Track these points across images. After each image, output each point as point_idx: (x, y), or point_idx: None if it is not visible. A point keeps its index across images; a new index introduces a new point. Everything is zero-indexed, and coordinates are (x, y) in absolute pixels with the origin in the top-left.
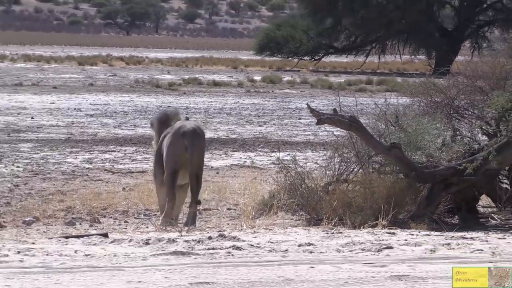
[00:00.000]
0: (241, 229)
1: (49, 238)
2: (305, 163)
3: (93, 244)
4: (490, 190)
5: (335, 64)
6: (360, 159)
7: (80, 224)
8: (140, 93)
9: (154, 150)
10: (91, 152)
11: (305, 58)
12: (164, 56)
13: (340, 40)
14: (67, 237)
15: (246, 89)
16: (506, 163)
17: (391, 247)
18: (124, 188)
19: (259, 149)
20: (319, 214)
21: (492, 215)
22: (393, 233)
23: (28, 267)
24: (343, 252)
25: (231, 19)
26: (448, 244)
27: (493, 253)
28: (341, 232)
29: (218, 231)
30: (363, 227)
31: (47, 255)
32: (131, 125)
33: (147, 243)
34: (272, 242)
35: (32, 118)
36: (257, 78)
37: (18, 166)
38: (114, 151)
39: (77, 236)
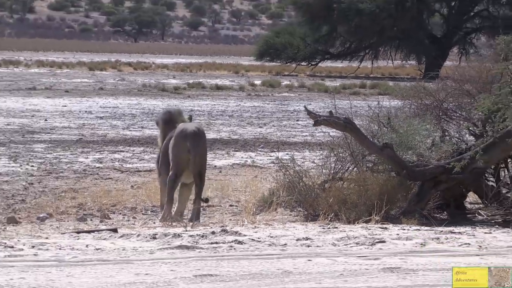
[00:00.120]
0: (243, 225)
1: (61, 233)
2: (302, 162)
3: (103, 239)
4: (477, 188)
5: (330, 69)
6: (355, 159)
7: (91, 220)
8: (147, 97)
9: (158, 148)
10: (101, 152)
11: (303, 63)
12: (170, 61)
13: (336, 47)
14: (78, 232)
15: (247, 93)
16: (492, 162)
17: (383, 241)
18: (132, 186)
19: (259, 149)
20: (316, 210)
21: (479, 211)
22: (386, 228)
23: (42, 260)
24: (339, 246)
25: (233, 27)
26: (438, 238)
27: (480, 246)
28: (336, 227)
29: (221, 226)
30: (358, 223)
31: (59, 249)
32: (138, 127)
33: (154, 238)
34: (271, 237)
35: (46, 120)
36: (257, 82)
37: (32, 166)
38: (123, 151)
39: (88, 231)
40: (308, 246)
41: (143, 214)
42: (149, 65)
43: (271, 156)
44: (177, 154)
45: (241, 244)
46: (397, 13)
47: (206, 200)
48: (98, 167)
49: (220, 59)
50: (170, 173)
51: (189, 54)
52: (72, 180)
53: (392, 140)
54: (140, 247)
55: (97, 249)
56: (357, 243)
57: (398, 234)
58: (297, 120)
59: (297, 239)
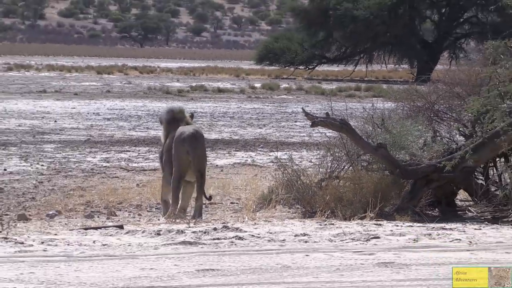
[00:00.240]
0: (243, 221)
1: (70, 230)
2: (300, 162)
3: (110, 235)
4: (467, 186)
5: (327, 73)
6: (350, 158)
7: (98, 217)
8: (152, 99)
9: (162, 144)
10: (108, 152)
11: (300, 67)
12: (174, 65)
13: (332, 51)
14: (86, 229)
15: (248, 95)
16: (481, 161)
17: (378, 237)
18: (138, 184)
19: (259, 149)
20: (313, 207)
21: (469, 208)
22: (380, 225)
23: (51, 256)
24: (335, 241)
25: (234, 33)
26: (430, 234)
27: (470, 242)
28: (333, 224)
29: (222, 223)
30: (353, 219)
31: (68, 245)
32: (144, 128)
33: (159, 234)
34: (271, 233)
35: (55, 121)
36: (257, 85)
37: (42, 165)
38: (129, 151)
39: (95, 228)
40: (306, 242)
41: (148, 211)
42: (154, 69)
43: (270, 155)
44: (178, 157)
45: (242, 240)
46: (390, 20)
47: (210, 198)
48: (105, 166)
49: (221, 63)
50: (173, 175)
51: (192, 58)
52: (80, 178)
53: (386, 140)
54: (145, 243)
55: (104, 245)
56: (352, 239)
57: (392, 230)
58: (295, 121)
59: (295, 235)
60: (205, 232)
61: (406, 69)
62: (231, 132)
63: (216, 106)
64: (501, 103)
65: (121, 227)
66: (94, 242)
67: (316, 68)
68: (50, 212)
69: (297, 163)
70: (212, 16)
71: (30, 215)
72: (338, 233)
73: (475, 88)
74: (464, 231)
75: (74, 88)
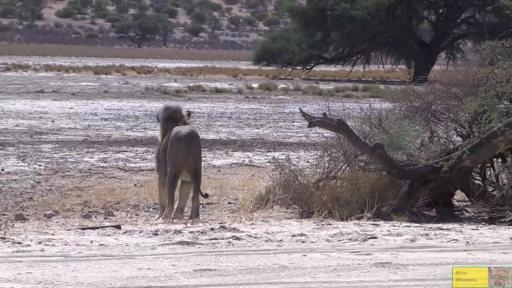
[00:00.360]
0: (240, 221)
1: (67, 230)
2: (298, 162)
3: (107, 235)
4: (464, 186)
5: (324, 73)
6: (347, 158)
7: (96, 217)
8: (150, 99)
9: (158, 142)
10: (106, 152)
11: (298, 67)
12: (172, 66)
13: (329, 52)
14: (83, 229)
15: (245, 96)
16: (479, 162)
17: (375, 237)
18: (135, 185)
19: (257, 149)
20: (310, 207)
21: (466, 208)
22: (377, 225)
23: (48, 256)
24: (332, 241)
25: (232, 33)
26: (427, 235)
27: (467, 242)
28: (330, 224)
29: (220, 223)
30: (350, 219)
31: (65, 245)
32: (141, 128)
33: (156, 234)
34: (268, 233)
35: (53, 121)
36: (255, 85)
37: (40, 165)
38: (126, 151)
39: (93, 228)
40: (303, 242)
41: (145, 211)
42: (152, 69)
43: (267, 156)
44: (173, 156)
45: (239, 240)
46: (387, 20)
47: (206, 195)
48: (103, 167)
49: (219, 63)
50: (168, 174)
51: (190, 58)
52: (77, 178)
53: (383, 140)
54: (143, 243)
55: (101, 245)
56: (349, 239)
57: (389, 231)
58: (293, 122)
59: (293, 235)
60: (202, 232)
61: (404, 70)
62: (228, 132)
63: (214, 106)
64: (498, 103)
65: (118, 227)
66: (91, 242)
67: (314, 68)
68: (48, 212)
69: (294, 163)
70: (210, 17)
71: (27, 215)
72: (335, 233)
73: (472, 89)
74: (461, 232)
75: (71, 88)
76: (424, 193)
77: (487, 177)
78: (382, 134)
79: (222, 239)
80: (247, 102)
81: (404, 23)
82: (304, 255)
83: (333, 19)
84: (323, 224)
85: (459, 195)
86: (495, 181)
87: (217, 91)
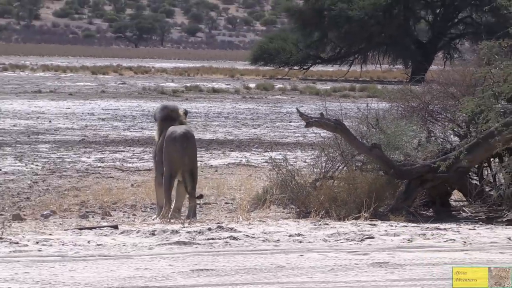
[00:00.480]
0: (238, 221)
1: (64, 230)
2: (295, 162)
3: (104, 235)
4: (461, 186)
5: (321, 73)
6: (345, 158)
7: (93, 217)
8: (147, 99)
9: (155, 142)
10: (103, 152)
11: (295, 67)
12: (169, 66)
13: (326, 52)
14: (81, 229)
15: (242, 96)
16: (476, 162)
17: (372, 237)
18: (132, 185)
19: (254, 149)
20: (307, 207)
21: (463, 208)
22: (374, 225)
23: (46, 256)
24: (329, 241)
25: (229, 33)
26: (424, 235)
27: (464, 242)
28: (327, 224)
29: (217, 223)
30: (347, 219)
31: (63, 245)
32: (139, 128)
33: (153, 234)
34: (265, 233)
35: (50, 121)
36: (252, 85)
37: (37, 165)
38: (124, 151)
39: (90, 228)
40: (300, 242)
41: (142, 211)
42: (149, 69)
43: (264, 156)
44: (169, 156)
45: (236, 240)
46: (384, 20)
47: (200, 196)
48: (100, 167)
49: (216, 63)
50: (164, 174)
51: (187, 58)
52: (75, 179)
53: (380, 140)
54: (140, 243)
55: (98, 245)
56: (347, 239)
57: (386, 231)
58: (290, 122)
59: (290, 235)
60: (199, 232)
61: (401, 70)
62: (225, 132)
63: (211, 106)
64: (495, 103)
65: (115, 227)
66: (88, 242)
67: (311, 68)
68: (45, 212)
69: (291, 163)
70: (207, 17)
71: (25, 215)
72: (333, 233)
73: (469, 89)
74: (459, 231)
75: (69, 88)
76: (421, 193)
77: (484, 177)
78: (379, 134)
79: (219, 239)
80: (244, 102)
81: (401, 23)
82: (301, 255)
83: (330, 19)
84: (320, 224)
85: (456, 195)
86: (492, 181)
87: (214, 91)
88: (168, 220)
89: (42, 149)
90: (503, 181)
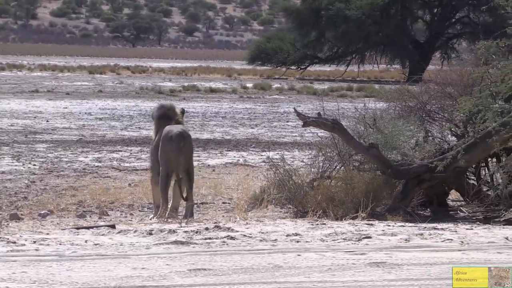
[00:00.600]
0: (235, 221)
1: (62, 229)
2: (292, 162)
3: (102, 235)
4: (458, 186)
5: (319, 73)
6: (342, 158)
7: (90, 216)
8: (145, 99)
9: (152, 141)
10: (100, 151)
11: (292, 67)
12: (166, 65)
13: (324, 51)
14: (78, 228)
15: (239, 95)
16: (473, 161)
17: (370, 237)
18: (130, 184)
19: (251, 149)
20: (305, 207)
21: (461, 208)
22: (372, 224)
23: (43, 255)
24: (327, 241)
25: (226, 33)
26: (421, 234)
27: (462, 242)
28: (324, 224)
29: (214, 223)
30: (345, 219)
31: (60, 244)
32: (136, 128)
33: (150, 234)
34: (262, 233)
35: (47, 121)
36: (249, 85)
37: (34, 164)
38: (121, 151)
39: (87, 227)
40: (298, 241)
41: (140, 211)
42: (146, 68)
43: (262, 155)
44: (165, 155)
45: (234, 239)
46: (382, 20)
47: (186, 199)
48: (97, 166)
49: (214, 63)
50: (161, 174)
51: (185, 58)
52: (72, 178)
53: (378, 140)
54: (137, 242)
55: (95, 245)
56: (344, 239)
57: (383, 230)
58: (287, 121)
59: (287, 235)
60: (197, 232)
61: (398, 69)
62: (223, 132)
63: (208, 106)
64: (492, 103)
65: (113, 226)
66: (86, 241)
67: (308, 68)
68: (42, 212)
69: (289, 163)
70: (204, 16)
71: (22, 214)
72: (330, 233)
73: (467, 88)
74: (456, 231)
75: (66, 88)
76: (419, 192)
77: (482, 177)
78: (376, 133)
79: (216, 238)
80: (241, 101)
81: (399, 22)
82: (298, 255)
83: (327, 18)
84: (317, 224)
85: (453, 194)
86: (489, 180)
87: (212, 90)
88: (165, 220)
89: (39, 148)
90: (500, 181)
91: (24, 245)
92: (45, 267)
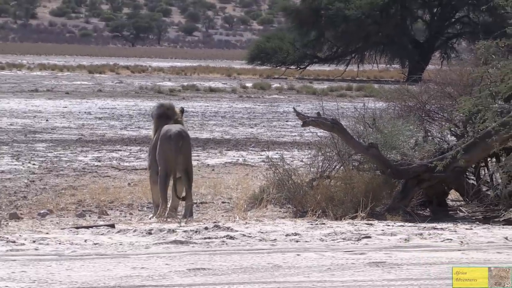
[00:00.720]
0: (234, 221)
1: (61, 229)
2: (292, 161)
3: (101, 234)
4: (458, 186)
5: (318, 72)
6: (341, 158)
7: (90, 216)
8: (144, 98)
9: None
10: (100, 151)
11: (292, 67)
12: (166, 65)
13: (323, 51)
14: (77, 228)
15: (239, 95)
16: (473, 161)
17: (369, 237)
18: (129, 184)
19: (251, 149)
20: (304, 207)
21: (460, 208)
22: (371, 224)
23: (42, 254)
24: (326, 241)
25: (226, 32)
26: (421, 234)
27: (461, 242)
28: (324, 223)
29: (214, 222)
30: (344, 219)
31: (59, 244)
32: (135, 127)
33: (150, 233)
34: (262, 232)
35: (47, 120)
36: (249, 84)
37: (34, 164)
38: (121, 150)
39: (87, 227)
40: (297, 241)
41: (139, 210)
42: (146, 68)
43: (261, 155)
44: (164, 155)
45: (233, 239)
46: (381, 20)
47: (183, 199)
48: (97, 166)
49: (213, 62)
50: (159, 173)
51: (184, 58)
52: (71, 177)
53: (377, 140)
54: (137, 242)
55: (95, 244)
56: (343, 239)
57: (383, 230)
58: (287, 121)
59: (286, 235)
60: (196, 232)
61: (398, 69)
62: (222, 132)
63: (208, 106)
64: (492, 103)
65: (112, 226)
66: (85, 241)
67: (308, 67)
68: (42, 211)
69: (288, 162)
70: (204, 16)
71: (21, 214)
72: (329, 233)
73: (466, 88)
74: (456, 231)
75: (65, 87)
76: (418, 192)
77: (481, 177)
78: (376, 133)
79: (216, 238)
80: (241, 101)
81: (398, 22)
82: (298, 255)
83: (327, 18)
84: (317, 224)
85: (453, 194)
86: (489, 180)
87: (211, 90)
88: (164, 219)
89: (39, 148)
90: (500, 181)
91: (23, 244)
92: (44, 267)
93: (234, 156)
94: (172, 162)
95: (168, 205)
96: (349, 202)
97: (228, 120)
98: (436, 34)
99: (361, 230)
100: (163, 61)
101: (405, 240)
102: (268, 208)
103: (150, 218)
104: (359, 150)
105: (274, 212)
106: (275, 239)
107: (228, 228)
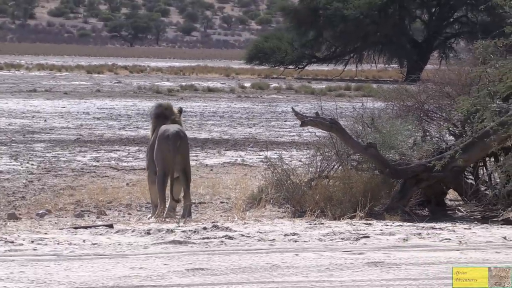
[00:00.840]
0: (233, 221)
1: (60, 229)
2: (290, 161)
3: (100, 234)
4: (456, 185)
5: (317, 72)
6: (340, 157)
7: (88, 216)
8: (142, 98)
9: (149, 140)
10: (98, 151)
11: (290, 66)
12: (164, 65)
13: (322, 51)
14: (76, 228)
15: (237, 95)
16: (471, 161)
17: (368, 237)
18: (127, 184)
19: (249, 149)
20: (303, 207)
21: (459, 207)
22: (370, 224)
23: (41, 255)
24: (325, 241)
25: (224, 32)
26: (419, 234)
27: (460, 242)
28: (322, 223)
29: (212, 222)
30: (343, 219)
31: (58, 244)
32: (134, 127)
33: (148, 233)
34: (260, 232)
35: (45, 121)
36: (247, 84)
37: (32, 164)
38: (119, 150)
39: (85, 227)
40: (296, 241)
41: (137, 210)
42: (144, 68)
43: (260, 155)
44: (161, 155)
45: (232, 239)
46: (380, 19)
47: (178, 200)
48: (95, 166)
49: (211, 62)
50: (157, 173)
51: (182, 58)
52: (70, 178)
53: (376, 140)
54: (135, 242)
55: (93, 244)
56: (342, 239)
57: (381, 230)
58: (285, 121)
59: (285, 235)
60: (195, 232)
61: (396, 69)
62: (221, 132)
63: (206, 106)
64: (490, 102)
65: (111, 226)
66: (84, 241)
67: (306, 67)
68: (40, 211)
69: (287, 162)
70: (202, 16)
71: (20, 214)
72: (328, 233)
73: (465, 88)
74: (454, 231)
75: (64, 87)
76: (417, 192)
77: (480, 176)
78: (374, 133)
79: (214, 238)
80: (239, 101)
81: (397, 22)
82: (296, 255)
83: (325, 18)
84: (315, 224)
85: (451, 194)
86: (487, 180)
87: (210, 90)
88: (163, 219)
89: (37, 148)
90: (498, 180)
91: (22, 244)
92: (43, 267)
93: (232, 156)
94: (170, 162)
95: (167, 205)
96: (348, 202)
97: (227, 120)
98: (435, 34)
99: (360, 230)
100: (161, 61)
101: (404, 240)
102: (267, 208)
103: (148, 218)
104: (357, 150)
105: (273, 212)
106: (273, 239)
107: (226, 228)
